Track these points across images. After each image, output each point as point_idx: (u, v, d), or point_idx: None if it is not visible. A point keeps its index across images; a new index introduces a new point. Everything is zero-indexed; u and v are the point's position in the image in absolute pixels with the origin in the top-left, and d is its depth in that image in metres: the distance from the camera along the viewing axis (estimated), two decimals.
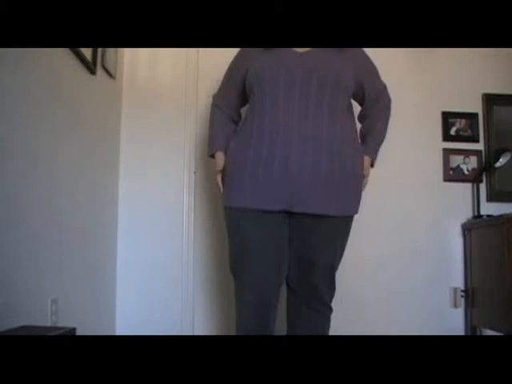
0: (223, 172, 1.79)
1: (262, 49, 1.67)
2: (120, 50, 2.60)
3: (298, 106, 1.60)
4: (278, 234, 1.71)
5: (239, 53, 1.86)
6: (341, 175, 1.66)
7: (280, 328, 1.86)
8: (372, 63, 1.86)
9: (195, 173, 2.68)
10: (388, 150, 2.76)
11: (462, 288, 2.71)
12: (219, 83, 2.00)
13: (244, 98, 1.84)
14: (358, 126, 1.93)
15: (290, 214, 1.69)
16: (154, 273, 2.60)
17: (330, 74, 1.63)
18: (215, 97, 1.97)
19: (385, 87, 1.92)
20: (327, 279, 1.78)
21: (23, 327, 1.40)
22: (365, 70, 1.81)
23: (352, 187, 1.73)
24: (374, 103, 1.88)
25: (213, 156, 1.87)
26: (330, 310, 1.81)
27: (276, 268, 1.72)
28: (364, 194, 2.74)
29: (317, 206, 1.64)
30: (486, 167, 2.77)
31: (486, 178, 2.80)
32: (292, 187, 1.61)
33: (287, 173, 1.60)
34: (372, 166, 1.86)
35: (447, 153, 2.80)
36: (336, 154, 1.64)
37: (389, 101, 1.93)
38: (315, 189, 1.61)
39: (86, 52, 2.04)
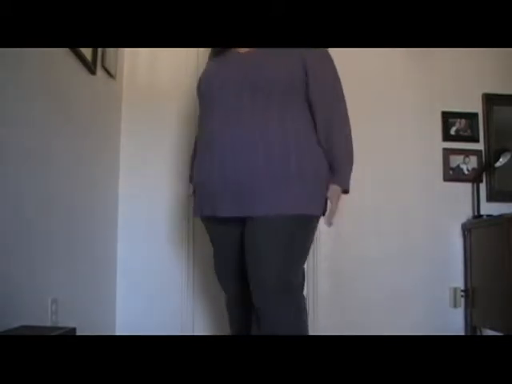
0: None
1: (213, 56, 1.73)
2: (120, 49, 2.60)
3: (231, 114, 1.57)
4: (232, 240, 1.69)
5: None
6: (279, 177, 1.53)
7: None
8: (326, 60, 1.68)
9: None
10: (388, 150, 2.78)
11: (462, 288, 2.71)
12: None
13: None
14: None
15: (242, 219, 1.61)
16: (153, 273, 2.61)
17: (260, 78, 1.55)
18: None
19: (333, 87, 1.66)
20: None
21: (23, 327, 1.40)
22: (312, 67, 1.60)
23: (295, 188, 1.54)
24: (319, 105, 1.62)
25: None
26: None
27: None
28: (364, 194, 2.76)
29: (256, 208, 1.54)
30: (486, 167, 2.77)
31: (486, 178, 2.80)
32: (232, 193, 1.55)
33: (226, 180, 1.55)
34: (346, 192, 1.66)
35: (447, 153, 2.80)
36: (274, 156, 1.54)
37: (339, 102, 1.66)
38: (253, 191, 1.54)
39: (86, 52, 2.04)
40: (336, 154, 1.62)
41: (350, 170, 1.66)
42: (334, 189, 1.62)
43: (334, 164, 1.62)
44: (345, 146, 1.64)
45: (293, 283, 1.55)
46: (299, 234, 1.56)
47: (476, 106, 2.85)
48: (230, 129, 1.56)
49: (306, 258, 1.64)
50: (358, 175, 2.71)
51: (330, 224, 1.62)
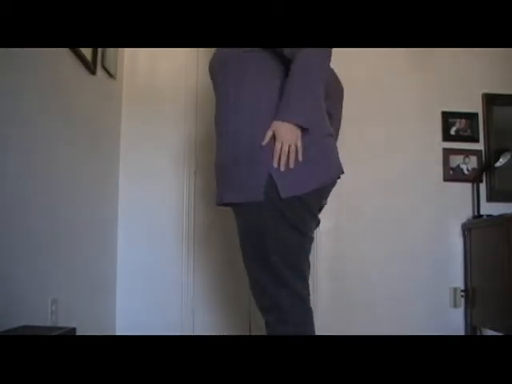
0: None
1: None
2: (120, 49, 2.61)
3: (216, 101, 1.52)
4: None
5: None
6: (226, 162, 1.44)
7: None
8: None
9: (195, 172, 2.68)
10: (388, 150, 2.78)
11: (462, 288, 2.71)
12: None
13: None
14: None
15: None
16: (153, 273, 2.61)
17: (217, 57, 1.49)
18: None
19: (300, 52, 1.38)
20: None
21: (23, 327, 1.41)
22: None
23: (236, 172, 1.40)
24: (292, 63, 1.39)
25: None
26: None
27: None
28: (364, 194, 2.76)
29: (221, 197, 1.45)
30: (486, 167, 2.77)
31: (486, 178, 2.81)
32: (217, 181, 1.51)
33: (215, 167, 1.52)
34: (300, 126, 1.34)
35: (447, 153, 2.80)
36: (226, 140, 1.44)
37: (307, 57, 1.37)
38: (219, 179, 1.48)
39: (86, 52, 2.04)
40: (286, 91, 1.36)
41: (298, 98, 1.34)
42: (273, 125, 1.35)
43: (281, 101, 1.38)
44: (297, 86, 1.36)
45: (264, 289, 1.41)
46: (239, 226, 1.44)
47: (476, 106, 2.85)
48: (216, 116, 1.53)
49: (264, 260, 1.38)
50: (358, 175, 2.73)
51: (279, 166, 1.33)
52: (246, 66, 1.43)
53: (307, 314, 1.44)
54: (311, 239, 1.49)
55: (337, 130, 1.72)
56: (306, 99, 1.37)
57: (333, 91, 1.65)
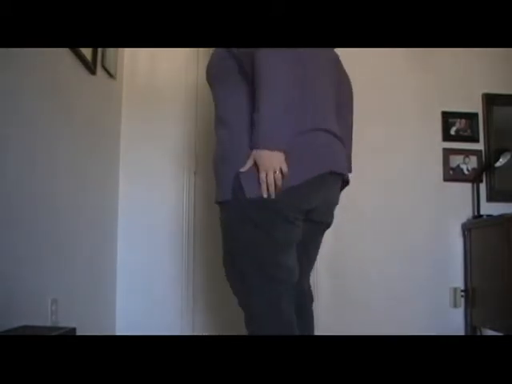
0: None
1: None
2: (120, 49, 2.61)
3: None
4: None
5: None
6: (214, 161, 1.45)
7: None
8: None
9: (195, 173, 2.68)
10: (388, 150, 2.78)
11: (462, 288, 2.71)
12: None
13: None
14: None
15: None
16: (153, 273, 2.61)
17: (215, 57, 1.48)
18: None
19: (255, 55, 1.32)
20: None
21: (23, 327, 1.41)
22: None
23: (218, 172, 1.41)
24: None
25: None
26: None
27: None
28: (364, 194, 2.76)
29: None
30: (486, 167, 2.77)
31: (486, 178, 2.81)
32: None
33: None
34: (266, 148, 1.26)
35: (447, 153, 2.80)
36: (217, 141, 1.45)
37: (258, 67, 1.30)
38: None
39: (86, 52, 2.04)
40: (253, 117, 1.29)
41: (269, 116, 1.25)
42: (253, 154, 1.28)
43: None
44: (258, 110, 1.27)
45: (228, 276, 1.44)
46: (225, 226, 1.40)
47: (476, 106, 2.85)
48: None
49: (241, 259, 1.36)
50: (358, 175, 2.73)
51: (266, 195, 1.27)
52: (229, 67, 1.41)
53: (277, 316, 1.36)
54: (286, 243, 1.37)
55: (350, 126, 1.67)
56: (277, 113, 1.26)
57: (343, 86, 1.65)
